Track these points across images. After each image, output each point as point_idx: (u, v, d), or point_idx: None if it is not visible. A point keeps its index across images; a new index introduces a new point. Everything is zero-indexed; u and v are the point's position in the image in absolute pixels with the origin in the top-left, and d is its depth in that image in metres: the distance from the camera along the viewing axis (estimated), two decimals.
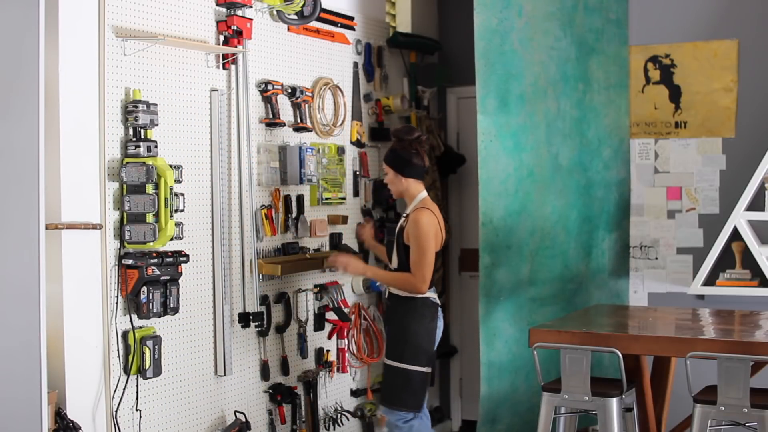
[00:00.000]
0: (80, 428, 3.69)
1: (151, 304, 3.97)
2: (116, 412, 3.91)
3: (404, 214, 4.67)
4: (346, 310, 5.21)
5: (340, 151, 5.31)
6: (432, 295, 4.65)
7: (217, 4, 4.46)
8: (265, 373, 4.74)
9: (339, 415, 5.27)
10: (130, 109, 3.94)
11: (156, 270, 3.97)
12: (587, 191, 5.71)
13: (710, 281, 5.50)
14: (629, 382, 4.45)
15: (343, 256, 4.88)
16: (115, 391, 3.91)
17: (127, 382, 3.97)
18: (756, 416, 4.04)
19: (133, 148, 3.93)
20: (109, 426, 3.88)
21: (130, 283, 3.92)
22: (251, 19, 4.57)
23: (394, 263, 4.68)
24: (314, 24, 5.08)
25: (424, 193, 4.68)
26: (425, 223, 4.52)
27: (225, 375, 4.46)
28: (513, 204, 5.29)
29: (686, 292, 5.64)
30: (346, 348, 5.31)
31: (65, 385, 3.70)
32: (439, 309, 4.70)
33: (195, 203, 4.33)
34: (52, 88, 3.63)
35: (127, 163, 3.92)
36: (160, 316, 4.05)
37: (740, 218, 5.37)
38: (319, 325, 5.13)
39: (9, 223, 3.21)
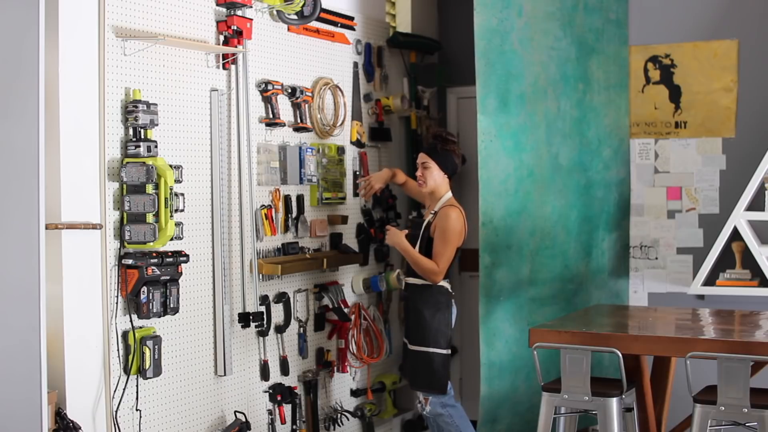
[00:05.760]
0: (80, 428, 3.69)
1: (151, 304, 3.97)
2: (116, 412, 3.91)
3: (433, 211, 4.89)
4: (346, 310, 5.21)
5: (340, 151, 5.31)
6: (446, 284, 4.91)
7: (217, 4, 4.46)
8: (265, 373, 4.74)
9: (339, 415, 5.27)
10: (130, 109, 3.94)
11: (156, 270, 3.97)
12: (587, 191, 5.70)
13: (710, 281, 5.49)
14: (629, 382, 4.45)
15: (393, 231, 4.97)
16: (115, 391, 3.91)
17: (127, 382, 3.97)
18: (756, 416, 4.04)
19: (133, 148, 3.93)
20: (109, 426, 3.87)
21: (130, 283, 3.92)
22: (251, 19, 4.57)
23: None
24: (314, 24, 5.08)
25: (450, 193, 4.95)
26: (455, 218, 4.81)
27: (225, 375, 4.46)
28: (513, 204, 5.29)
29: (686, 292, 5.64)
30: (346, 348, 5.31)
31: (65, 385, 3.70)
32: (452, 298, 4.96)
33: (195, 203, 4.33)
34: (52, 88, 3.63)
35: (127, 163, 3.92)
36: (160, 316, 4.05)
37: (740, 218, 5.36)
38: (319, 325, 5.13)
39: (9, 223, 3.21)
